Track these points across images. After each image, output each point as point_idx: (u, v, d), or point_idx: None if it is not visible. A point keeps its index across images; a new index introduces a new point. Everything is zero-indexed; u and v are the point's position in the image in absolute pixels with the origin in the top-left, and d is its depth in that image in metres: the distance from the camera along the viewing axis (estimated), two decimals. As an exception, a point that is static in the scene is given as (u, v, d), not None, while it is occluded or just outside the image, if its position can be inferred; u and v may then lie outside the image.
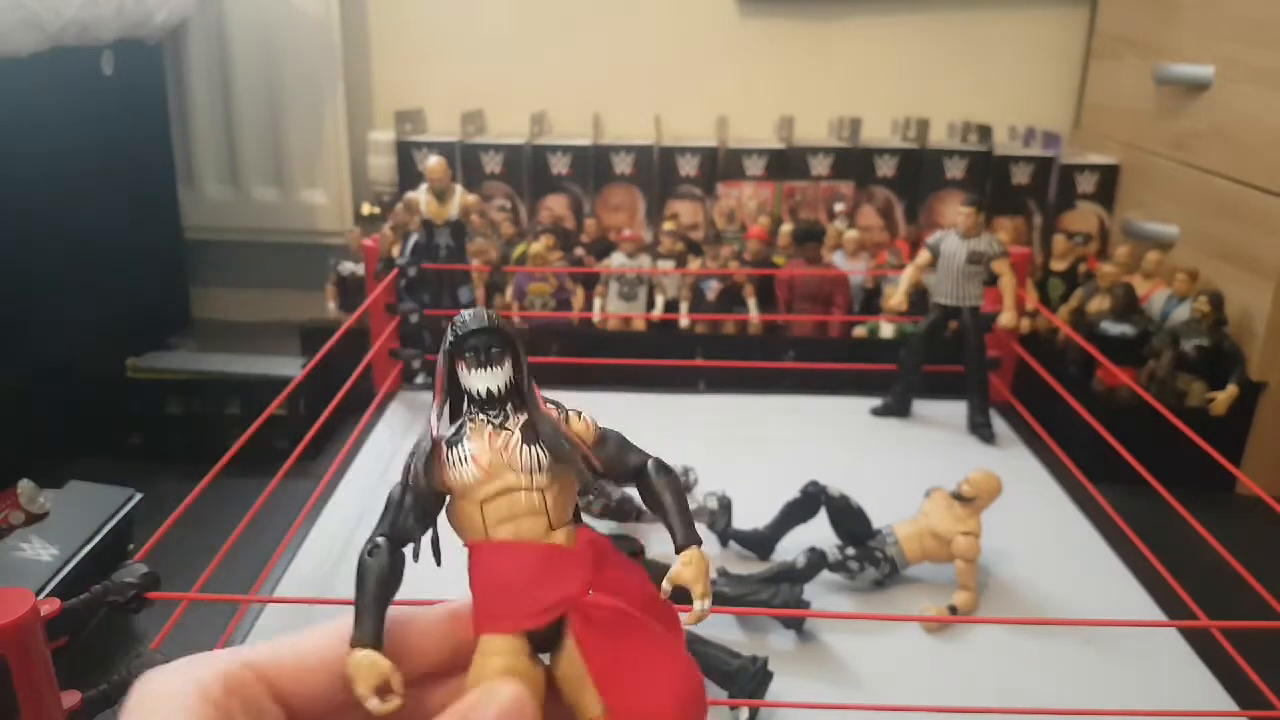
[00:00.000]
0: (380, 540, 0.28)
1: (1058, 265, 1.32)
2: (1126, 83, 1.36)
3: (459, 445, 0.28)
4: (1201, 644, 0.74)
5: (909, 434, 1.11)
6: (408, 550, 0.29)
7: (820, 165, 1.41)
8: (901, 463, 1.01)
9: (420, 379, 1.19)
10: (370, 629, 0.27)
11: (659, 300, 1.29)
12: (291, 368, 1.06)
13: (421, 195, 1.15)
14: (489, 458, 0.28)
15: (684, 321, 1.26)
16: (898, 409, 1.14)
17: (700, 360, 1.23)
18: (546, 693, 0.27)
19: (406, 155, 1.40)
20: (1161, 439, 0.84)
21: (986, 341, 1.10)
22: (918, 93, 1.51)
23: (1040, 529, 0.91)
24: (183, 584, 0.64)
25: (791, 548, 0.79)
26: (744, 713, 0.65)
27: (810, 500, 0.82)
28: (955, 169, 1.40)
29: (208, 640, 0.70)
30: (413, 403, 1.16)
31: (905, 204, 1.42)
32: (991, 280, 1.08)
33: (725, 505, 0.85)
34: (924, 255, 1.09)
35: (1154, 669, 0.72)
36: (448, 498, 0.29)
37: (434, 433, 0.29)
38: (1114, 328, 1.12)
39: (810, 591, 0.77)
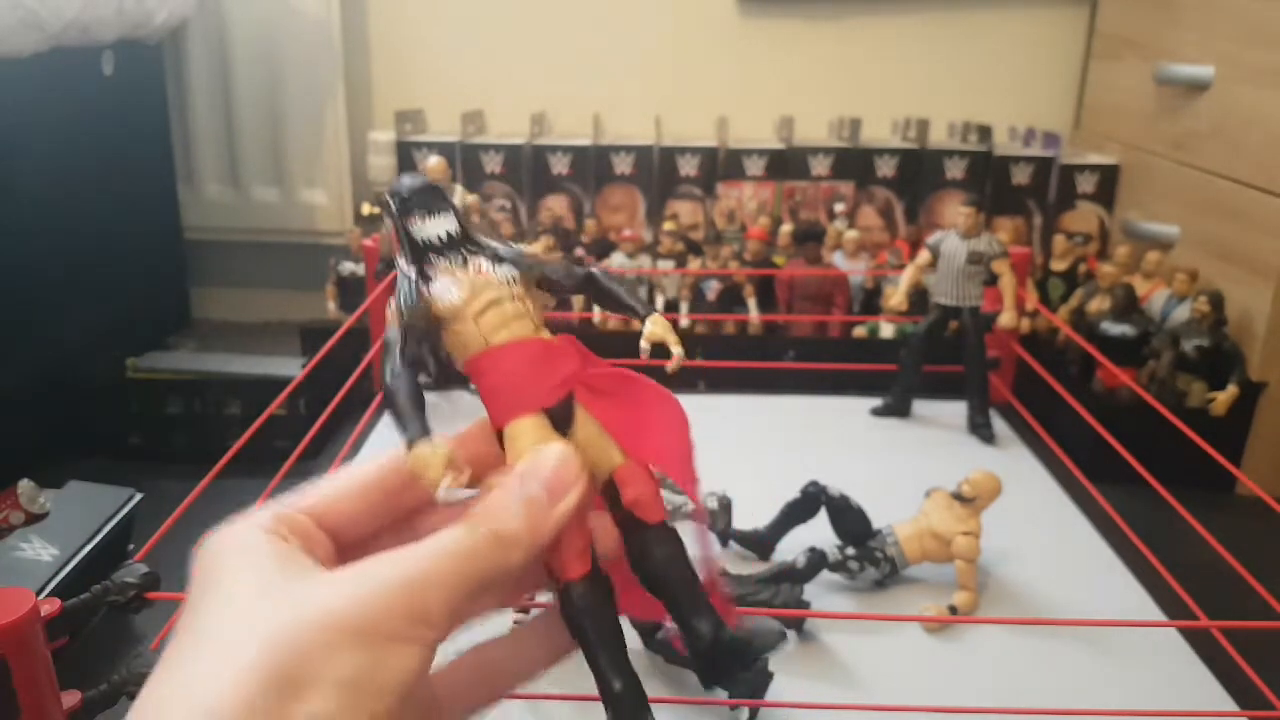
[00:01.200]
0: (396, 368, 0.31)
1: (1058, 265, 1.32)
2: (1126, 83, 1.36)
3: (433, 283, 0.32)
4: (1201, 644, 0.74)
5: (909, 434, 1.11)
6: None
7: (820, 165, 1.41)
8: (901, 463, 1.01)
9: (419, 379, 1.19)
10: (419, 426, 0.30)
11: (659, 300, 1.29)
12: (291, 368, 1.06)
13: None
14: (468, 280, 0.32)
15: (684, 321, 1.26)
16: (898, 409, 1.14)
17: (700, 360, 1.23)
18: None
19: (406, 155, 1.40)
20: (1161, 439, 0.84)
21: (986, 341, 1.10)
22: (918, 93, 1.51)
23: (1040, 529, 0.91)
24: (182, 584, 0.64)
25: (791, 548, 0.79)
26: (744, 713, 0.65)
27: (810, 500, 0.81)
28: (955, 169, 1.40)
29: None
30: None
31: (905, 204, 1.42)
32: (991, 280, 1.08)
33: (725, 505, 0.85)
34: (924, 255, 1.09)
35: (1154, 669, 0.72)
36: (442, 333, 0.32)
37: (410, 274, 0.32)
38: (1114, 328, 1.12)
39: (810, 591, 0.77)
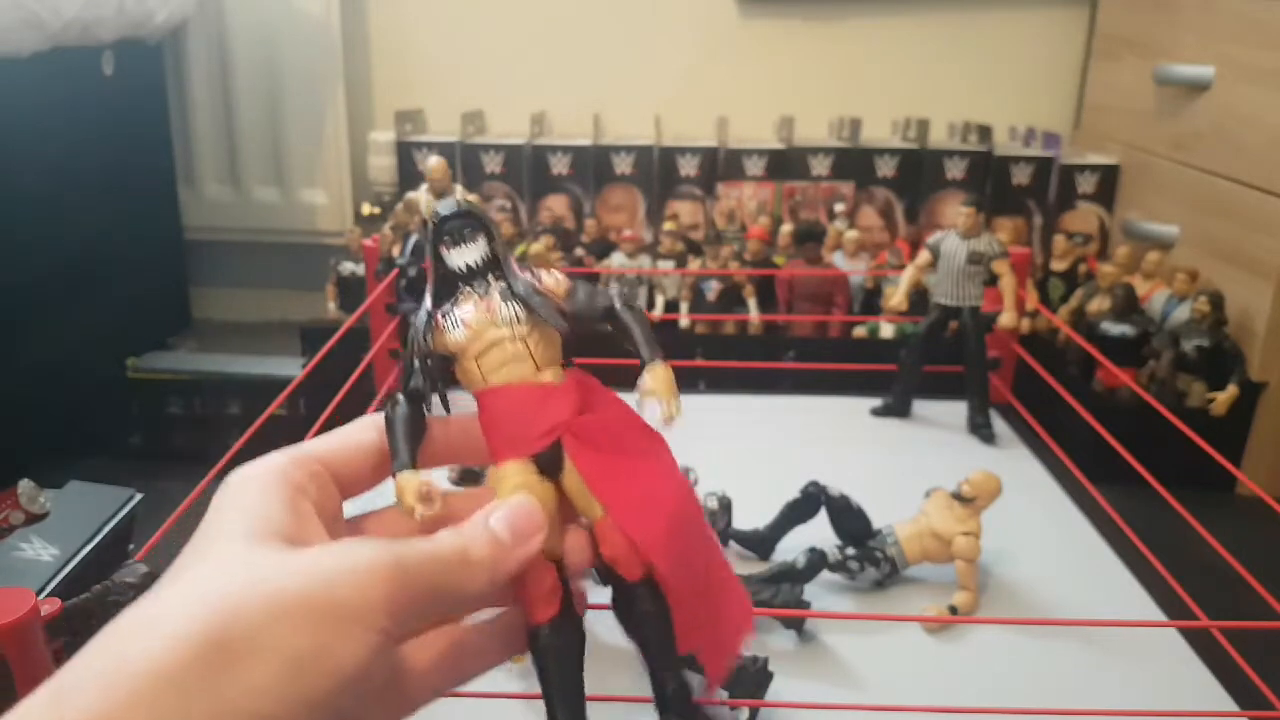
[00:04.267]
0: (399, 397, 0.33)
1: (1058, 265, 1.32)
2: (1126, 83, 1.36)
3: (452, 313, 0.33)
4: (1201, 644, 0.74)
5: (909, 434, 1.10)
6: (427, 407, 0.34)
7: (820, 165, 1.41)
8: (901, 463, 1.01)
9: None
10: (405, 458, 0.32)
11: (659, 300, 1.29)
12: (291, 368, 1.07)
13: (422, 195, 1.15)
14: (475, 317, 0.32)
15: (684, 321, 1.26)
16: (898, 409, 1.14)
17: (700, 360, 1.23)
18: (563, 505, 0.32)
19: (406, 155, 1.40)
20: (1161, 439, 0.84)
21: (986, 342, 1.10)
22: (918, 93, 1.51)
23: (1040, 529, 0.91)
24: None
25: (791, 548, 0.79)
26: (744, 713, 0.65)
27: (810, 500, 0.81)
28: (955, 169, 1.40)
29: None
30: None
31: (905, 204, 1.42)
32: (992, 280, 1.08)
33: (725, 505, 0.85)
34: (924, 255, 1.09)
35: (1154, 669, 0.72)
36: (453, 362, 0.33)
37: (428, 305, 0.33)
38: (1114, 328, 1.12)
39: (810, 591, 0.77)
